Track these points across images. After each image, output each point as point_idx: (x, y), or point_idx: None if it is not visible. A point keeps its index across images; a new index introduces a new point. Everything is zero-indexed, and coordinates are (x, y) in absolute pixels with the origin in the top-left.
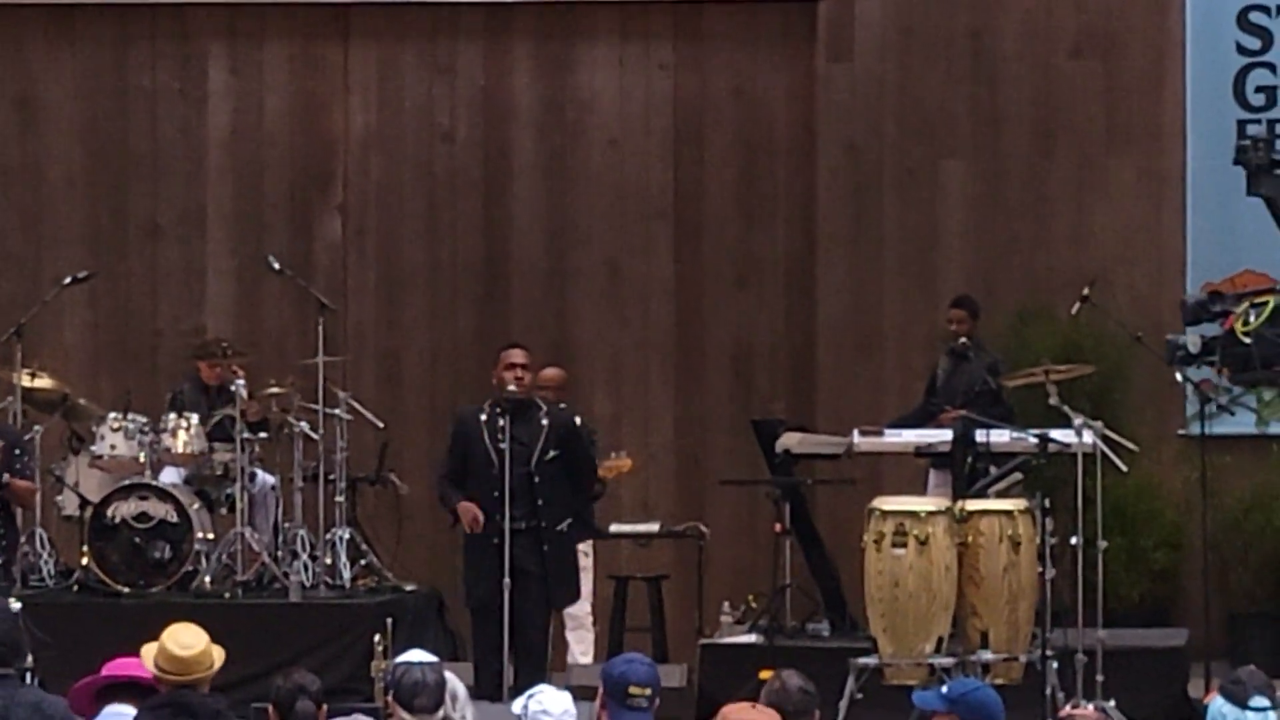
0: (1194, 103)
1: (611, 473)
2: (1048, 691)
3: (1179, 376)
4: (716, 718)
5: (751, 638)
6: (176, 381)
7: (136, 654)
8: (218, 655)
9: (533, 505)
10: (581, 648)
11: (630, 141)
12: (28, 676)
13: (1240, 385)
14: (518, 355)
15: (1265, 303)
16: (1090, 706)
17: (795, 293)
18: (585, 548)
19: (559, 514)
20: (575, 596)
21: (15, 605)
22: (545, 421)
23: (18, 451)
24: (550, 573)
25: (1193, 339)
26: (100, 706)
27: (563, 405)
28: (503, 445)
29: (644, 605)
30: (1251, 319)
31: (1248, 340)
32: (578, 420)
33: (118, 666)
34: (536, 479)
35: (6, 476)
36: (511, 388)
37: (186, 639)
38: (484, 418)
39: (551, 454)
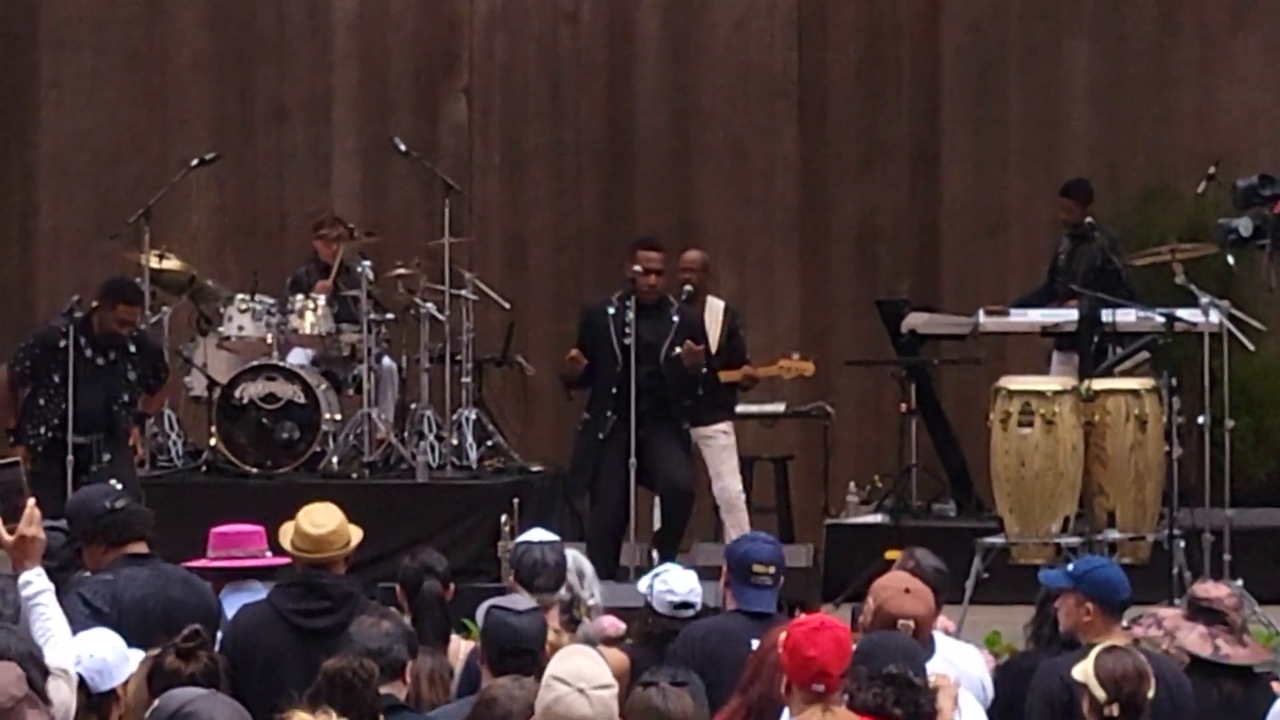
0: None
1: (789, 373)
2: (1175, 571)
3: (1230, 260)
4: (871, 589)
5: (877, 518)
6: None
7: (256, 526)
8: (354, 535)
9: (655, 402)
10: (736, 530)
11: (754, 22)
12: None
13: None
14: (653, 259)
15: None
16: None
17: (920, 172)
18: (726, 428)
19: (681, 414)
20: (689, 483)
21: (116, 486)
22: (675, 319)
23: (160, 364)
24: (670, 459)
25: (1244, 223)
26: (223, 581)
27: (687, 290)
28: (628, 341)
29: (770, 486)
30: None
31: None
32: (719, 304)
33: (226, 539)
34: (661, 376)
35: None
36: (644, 289)
37: (321, 518)
38: (612, 312)
39: (678, 351)
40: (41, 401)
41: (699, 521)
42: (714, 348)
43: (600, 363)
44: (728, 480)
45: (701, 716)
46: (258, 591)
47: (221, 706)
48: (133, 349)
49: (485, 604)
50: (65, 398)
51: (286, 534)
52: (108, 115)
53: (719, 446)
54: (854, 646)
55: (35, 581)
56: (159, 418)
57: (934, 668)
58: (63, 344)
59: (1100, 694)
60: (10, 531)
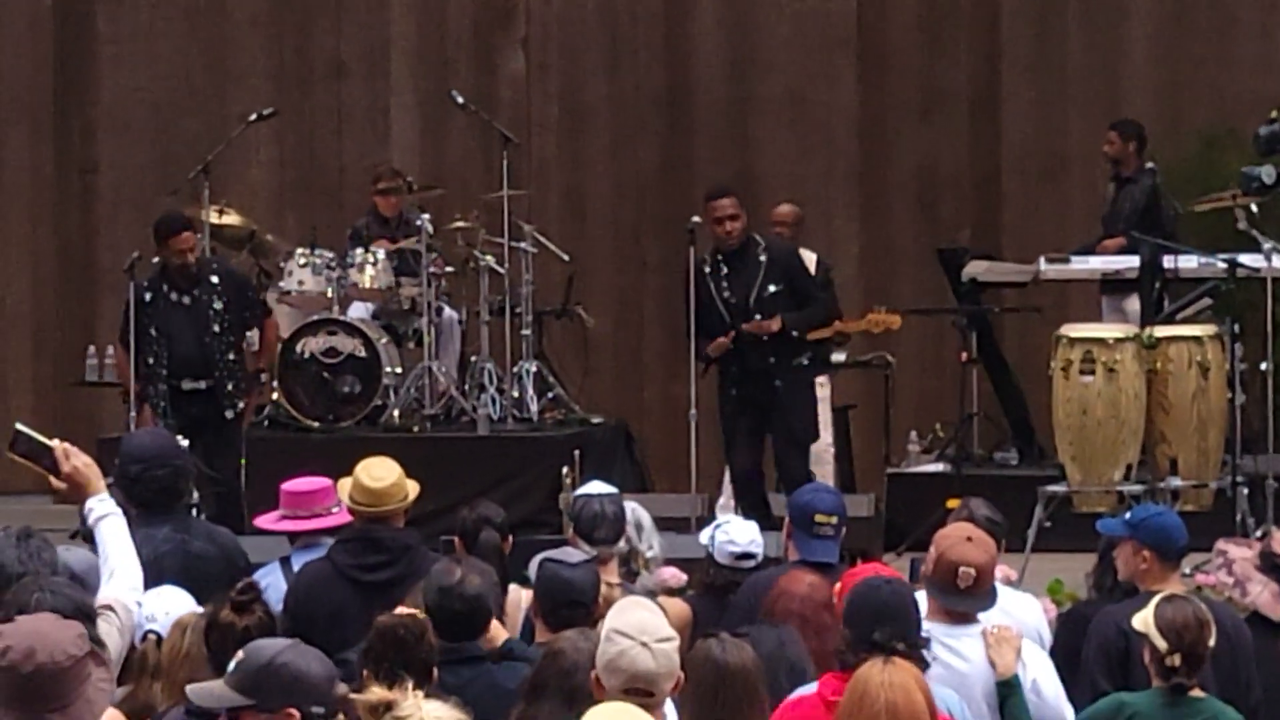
0: None
1: (878, 327)
2: (1238, 518)
3: (1253, 208)
4: (933, 538)
5: (939, 466)
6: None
7: (324, 481)
8: (412, 488)
9: (762, 345)
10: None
11: None
12: (193, 511)
13: None
14: (726, 206)
15: None
16: None
17: (979, 120)
18: (822, 380)
19: (791, 349)
20: (814, 431)
21: (183, 443)
22: (763, 258)
23: (250, 295)
24: (786, 406)
25: (1267, 170)
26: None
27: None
28: (726, 294)
29: (831, 435)
30: None
31: None
32: (812, 257)
33: (295, 497)
34: (759, 318)
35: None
36: (723, 238)
37: (379, 471)
38: (708, 269)
39: (772, 289)
40: (150, 360)
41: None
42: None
43: (710, 322)
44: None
45: (761, 668)
46: (327, 546)
47: (312, 656)
48: (215, 280)
49: (537, 557)
50: (165, 346)
51: (345, 489)
52: (166, 71)
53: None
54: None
55: (96, 508)
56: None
57: (990, 618)
58: (148, 296)
59: (1161, 644)
60: (58, 475)
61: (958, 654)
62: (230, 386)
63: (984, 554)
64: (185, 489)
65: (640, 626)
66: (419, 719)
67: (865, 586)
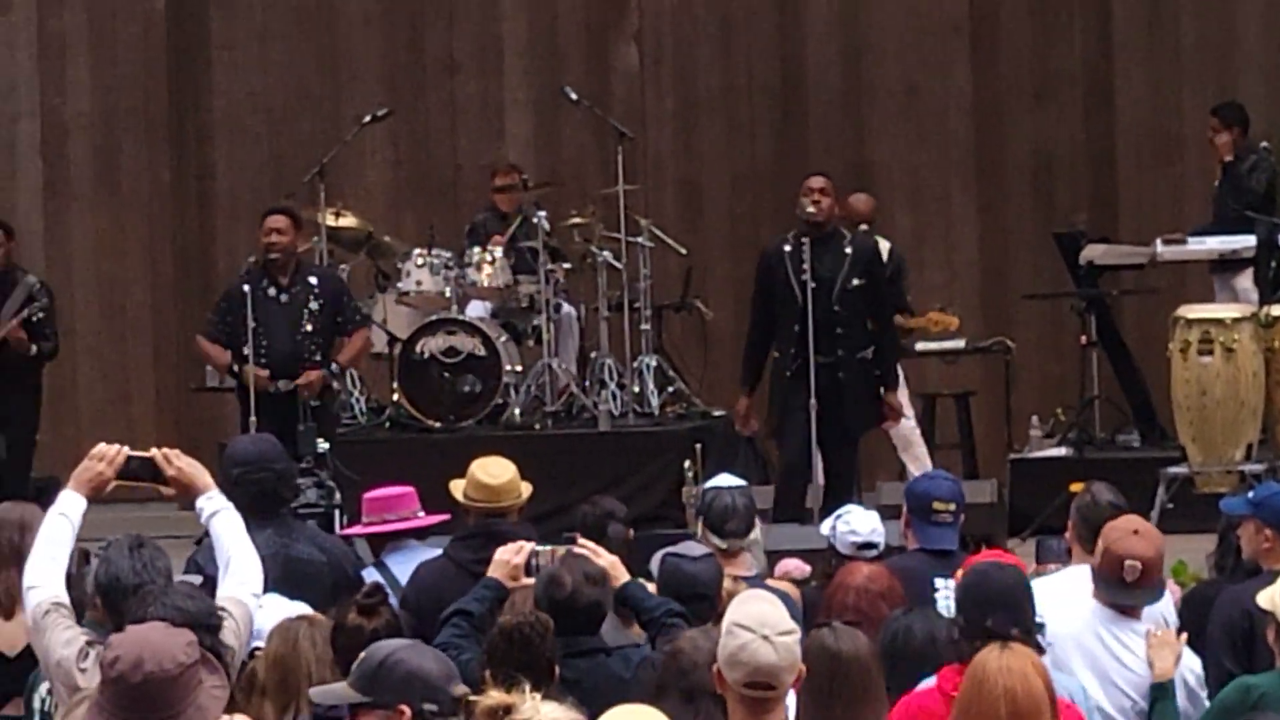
0: None
1: (936, 326)
2: None
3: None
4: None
5: (1061, 450)
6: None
7: (407, 487)
8: (525, 489)
9: (833, 336)
10: (916, 463)
11: None
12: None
13: None
14: (816, 180)
15: None
16: None
17: (1094, 103)
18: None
19: (860, 343)
20: (873, 422)
21: (324, 446)
22: (849, 250)
23: (345, 299)
24: (845, 400)
25: None
26: (379, 542)
27: (864, 228)
28: (805, 278)
29: (952, 422)
30: None
31: None
32: (885, 245)
33: (379, 503)
34: (837, 308)
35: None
36: (810, 210)
37: (495, 469)
38: (788, 249)
39: (855, 282)
40: (244, 352)
41: (882, 460)
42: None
43: (779, 301)
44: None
45: (876, 656)
46: (416, 549)
47: (429, 655)
48: (313, 280)
49: (659, 552)
50: (260, 342)
51: (459, 487)
52: (279, 74)
53: None
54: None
55: (207, 506)
56: (341, 375)
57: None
58: (245, 288)
59: None
60: (166, 480)
61: (1120, 644)
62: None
63: (1151, 547)
64: (286, 494)
65: (761, 619)
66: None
67: (975, 574)
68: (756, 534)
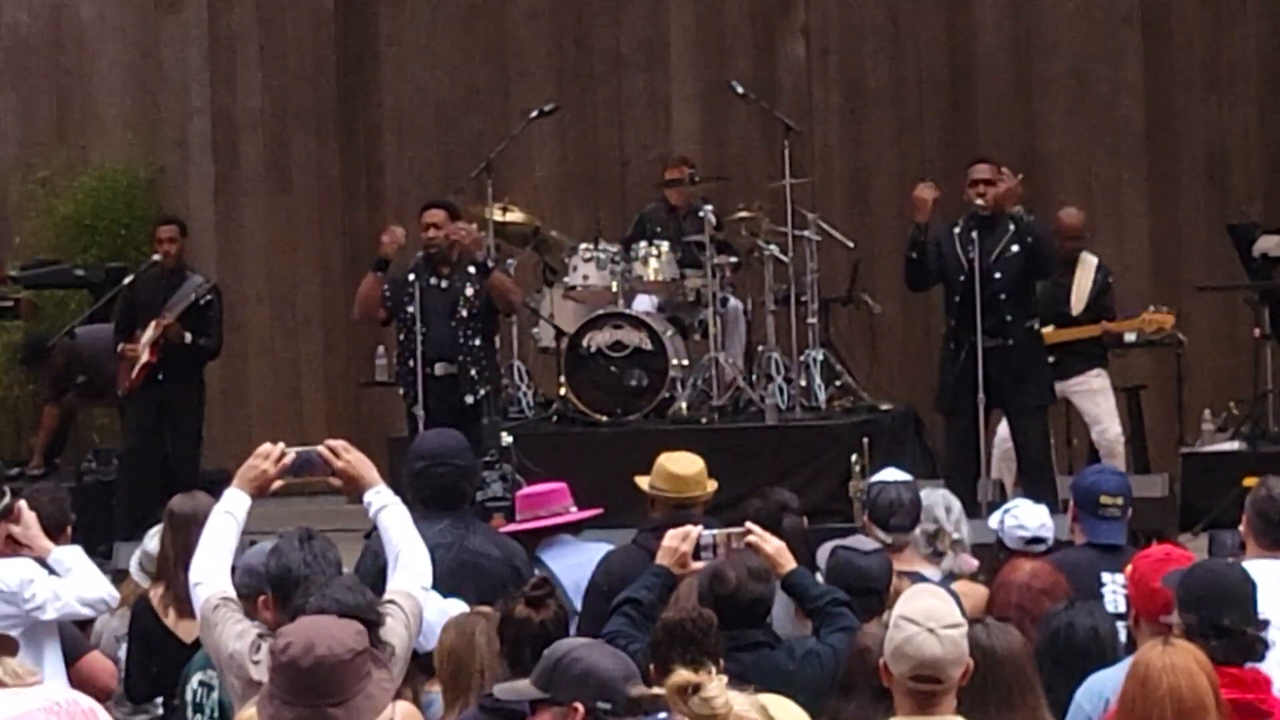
0: None
1: (1151, 326)
2: None
3: None
4: None
5: (1234, 445)
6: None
7: (561, 481)
8: (711, 483)
9: (998, 308)
10: None
11: None
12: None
13: None
14: (982, 170)
15: None
16: None
17: (1269, 93)
18: (1098, 372)
19: (1026, 312)
20: (1048, 394)
21: (507, 439)
22: (1012, 226)
23: (490, 264)
24: (1017, 372)
25: None
26: (534, 538)
27: (1031, 214)
28: (972, 255)
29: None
30: None
31: None
32: (1093, 261)
33: (531, 500)
34: (997, 275)
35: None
36: (978, 201)
37: (684, 461)
38: (957, 230)
39: (1014, 249)
40: (402, 337)
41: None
42: (1083, 303)
43: (950, 280)
44: (1106, 423)
45: (1031, 653)
46: (570, 544)
47: (607, 654)
48: (471, 269)
49: (828, 545)
50: (420, 328)
51: (646, 480)
52: (447, 70)
53: (1092, 390)
54: (1178, 583)
55: (374, 500)
56: (509, 369)
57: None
58: (411, 276)
59: None
60: (334, 473)
61: None
62: (474, 373)
63: None
64: (467, 490)
65: (928, 613)
66: (725, 701)
67: (1206, 571)
68: (964, 534)
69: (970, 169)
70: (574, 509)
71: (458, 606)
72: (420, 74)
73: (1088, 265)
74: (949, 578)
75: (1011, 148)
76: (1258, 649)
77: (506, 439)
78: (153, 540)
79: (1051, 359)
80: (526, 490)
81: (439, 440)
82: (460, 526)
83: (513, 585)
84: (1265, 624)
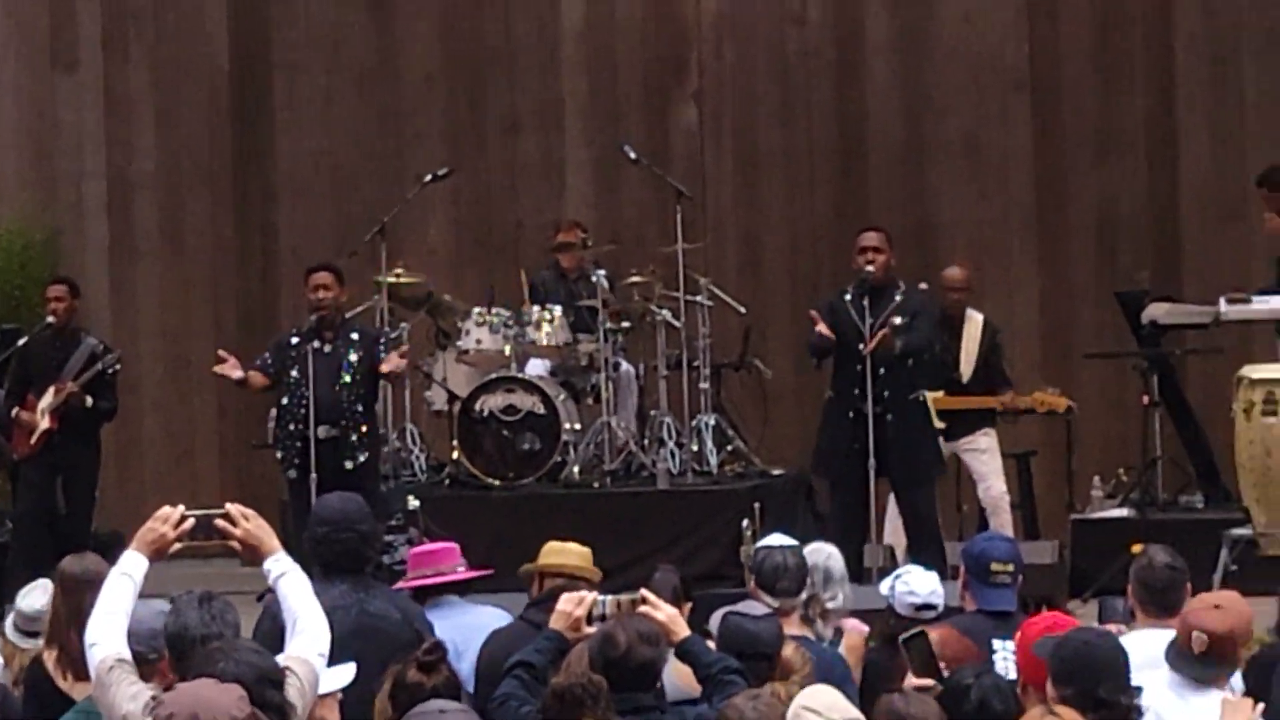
0: None
1: (1042, 407)
2: None
3: None
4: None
5: (1123, 512)
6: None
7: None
8: (597, 572)
9: (882, 379)
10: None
11: (983, 14)
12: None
13: None
14: (870, 239)
15: None
16: None
17: (1157, 160)
18: (987, 431)
19: (909, 385)
20: (937, 465)
21: (414, 503)
22: (899, 297)
23: (380, 341)
24: (901, 441)
25: None
26: (424, 599)
27: (923, 286)
28: (869, 321)
29: (1013, 482)
30: None
31: None
32: (979, 318)
33: (422, 559)
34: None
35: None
36: (869, 268)
37: (568, 545)
38: (848, 298)
39: (896, 320)
40: (284, 400)
41: (944, 521)
42: (971, 366)
43: (841, 347)
44: (992, 480)
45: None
46: (457, 605)
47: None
48: (355, 336)
49: (720, 611)
50: (303, 392)
51: (530, 570)
52: (342, 134)
53: (981, 449)
54: (1050, 654)
55: (274, 567)
56: (401, 433)
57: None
58: (294, 340)
59: None
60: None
61: (1193, 712)
62: (354, 438)
63: (1225, 622)
64: (369, 554)
65: (830, 704)
66: None
67: (1078, 643)
68: (841, 600)
69: (859, 237)
70: (462, 568)
71: (347, 674)
72: (315, 137)
73: (974, 324)
74: (834, 642)
75: (902, 213)
76: (1132, 718)
77: (413, 503)
78: (25, 599)
79: (941, 425)
80: (418, 549)
81: (340, 506)
82: (360, 589)
83: (415, 647)
84: (1138, 691)
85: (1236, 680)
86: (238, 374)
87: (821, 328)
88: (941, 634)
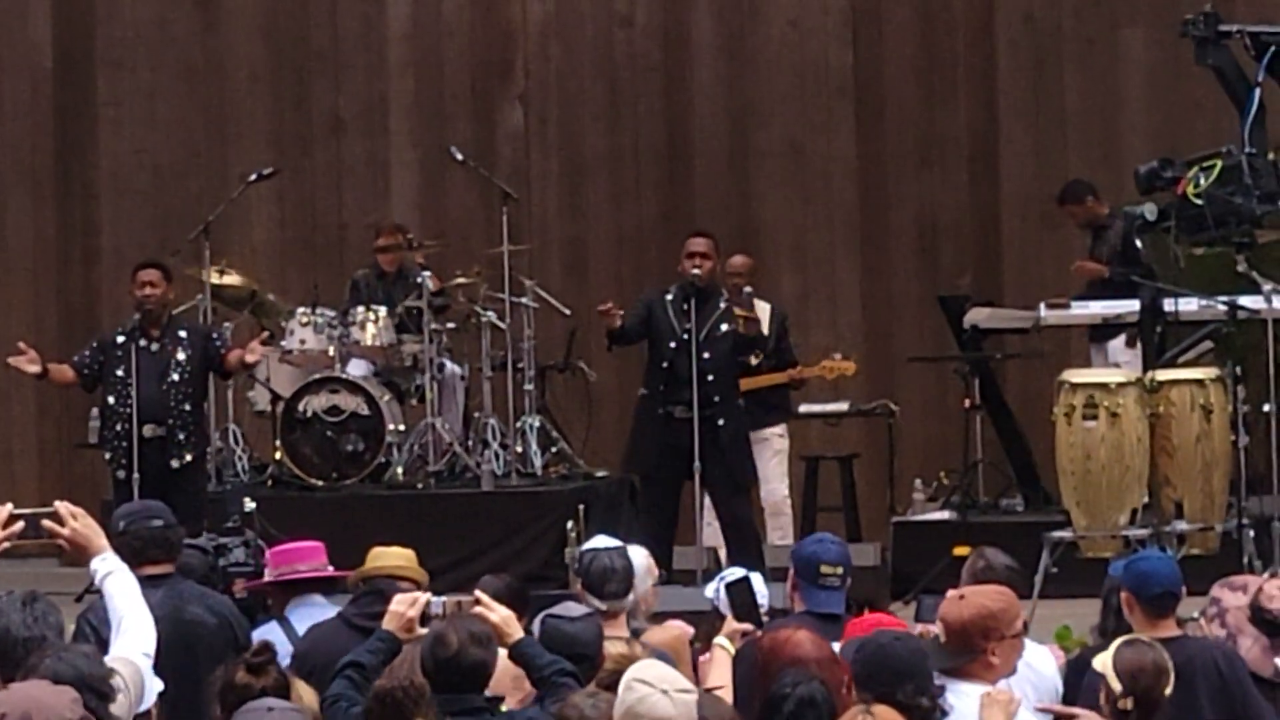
0: None
1: (830, 374)
2: (1245, 560)
3: (1138, 243)
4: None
5: (944, 514)
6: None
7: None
8: (422, 573)
9: (708, 386)
10: (780, 533)
11: (808, 20)
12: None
13: (1196, 246)
14: (699, 244)
15: (1213, 165)
16: None
17: (978, 167)
18: (780, 430)
19: (731, 390)
20: (753, 475)
21: (250, 504)
22: (722, 305)
23: (215, 337)
24: (721, 448)
25: (1149, 207)
26: (285, 598)
27: (748, 290)
28: (686, 328)
29: (835, 485)
30: (1201, 181)
31: (1199, 202)
32: (766, 307)
33: (284, 556)
34: (706, 355)
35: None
36: (695, 272)
37: (391, 548)
38: (670, 298)
39: (724, 328)
40: (111, 400)
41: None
42: (763, 351)
43: (658, 346)
44: (775, 484)
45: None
46: (322, 605)
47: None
48: (182, 334)
49: (540, 614)
50: (128, 390)
51: (356, 575)
52: (166, 132)
53: (771, 451)
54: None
55: (100, 567)
56: (224, 433)
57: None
58: (119, 338)
59: (1116, 686)
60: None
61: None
62: (182, 437)
63: (961, 612)
64: (176, 540)
65: (661, 676)
66: None
67: (875, 647)
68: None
69: (688, 241)
70: (329, 568)
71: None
72: (139, 135)
73: (761, 312)
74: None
75: (728, 218)
76: (935, 716)
77: (250, 504)
78: None
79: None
80: (281, 546)
81: (138, 502)
82: (175, 596)
83: (231, 651)
84: (941, 690)
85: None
86: (34, 368)
87: (609, 312)
88: (800, 633)
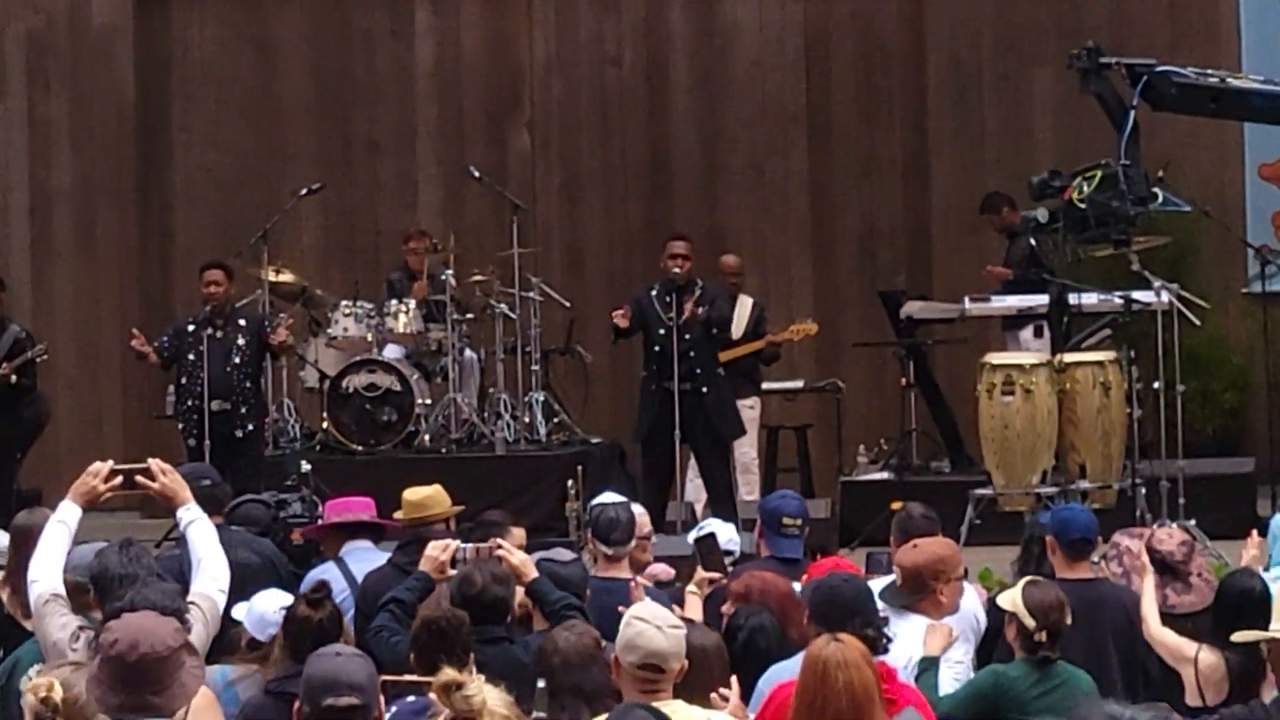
0: (1246, 7)
1: (797, 335)
2: (1137, 513)
3: (1032, 241)
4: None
5: (884, 475)
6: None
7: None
8: (449, 504)
9: (690, 361)
10: (748, 489)
11: (768, 59)
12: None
13: (1082, 244)
14: (678, 246)
15: (1094, 175)
16: (1174, 526)
17: (911, 182)
18: (752, 402)
19: (714, 364)
20: (739, 430)
21: (306, 466)
22: (698, 292)
23: (266, 324)
24: (705, 410)
25: (1042, 212)
26: (339, 542)
27: (734, 282)
28: (671, 315)
29: (792, 450)
30: (1085, 188)
31: (1083, 206)
32: (749, 301)
33: (339, 506)
34: (687, 335)
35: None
36: (676, 271)
37: (420, 490)
38: (654, 293)
39: (700, 311)
40: (183, 380)
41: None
42: (742, 329)
43: (649, 334)
44: (746, 447)
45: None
46: (370, 548)
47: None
48: (241, 322)
49: (534, 556)
50: (199, 371)
51: (397, 514)
52: (230, 153)
53: (745, 418)
54: (809, 598)
55: (184, 515)
56: (280, 406)
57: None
58: (190, 327)
59: (1030, 622)
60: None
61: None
62: (244, 410)
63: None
64: (223, 497)
65: (655, 614)
66: (482, 699)
67: (827, 588)
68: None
69: (669, 244)
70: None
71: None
72: (207, 156)
73: (745, 304)
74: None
75: (700, 224)
76: (880, 644)
77: (305, 466)
78: None
79: (699, 369)
80: (335, 500)
81: (190, 465)
82: (224, 543)
83: (275, 584)
84: (885, 621)
85: (979, 612)
86: (147, 349)
87: (619, 317)
88: (763, 576)
